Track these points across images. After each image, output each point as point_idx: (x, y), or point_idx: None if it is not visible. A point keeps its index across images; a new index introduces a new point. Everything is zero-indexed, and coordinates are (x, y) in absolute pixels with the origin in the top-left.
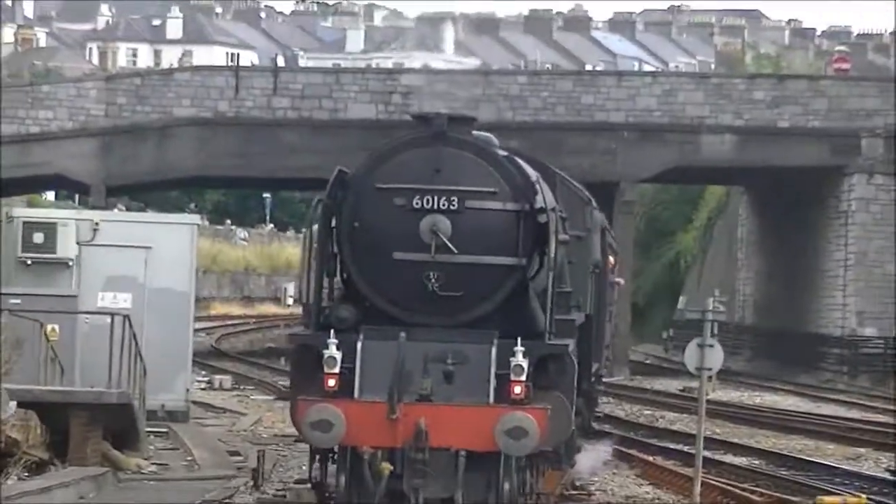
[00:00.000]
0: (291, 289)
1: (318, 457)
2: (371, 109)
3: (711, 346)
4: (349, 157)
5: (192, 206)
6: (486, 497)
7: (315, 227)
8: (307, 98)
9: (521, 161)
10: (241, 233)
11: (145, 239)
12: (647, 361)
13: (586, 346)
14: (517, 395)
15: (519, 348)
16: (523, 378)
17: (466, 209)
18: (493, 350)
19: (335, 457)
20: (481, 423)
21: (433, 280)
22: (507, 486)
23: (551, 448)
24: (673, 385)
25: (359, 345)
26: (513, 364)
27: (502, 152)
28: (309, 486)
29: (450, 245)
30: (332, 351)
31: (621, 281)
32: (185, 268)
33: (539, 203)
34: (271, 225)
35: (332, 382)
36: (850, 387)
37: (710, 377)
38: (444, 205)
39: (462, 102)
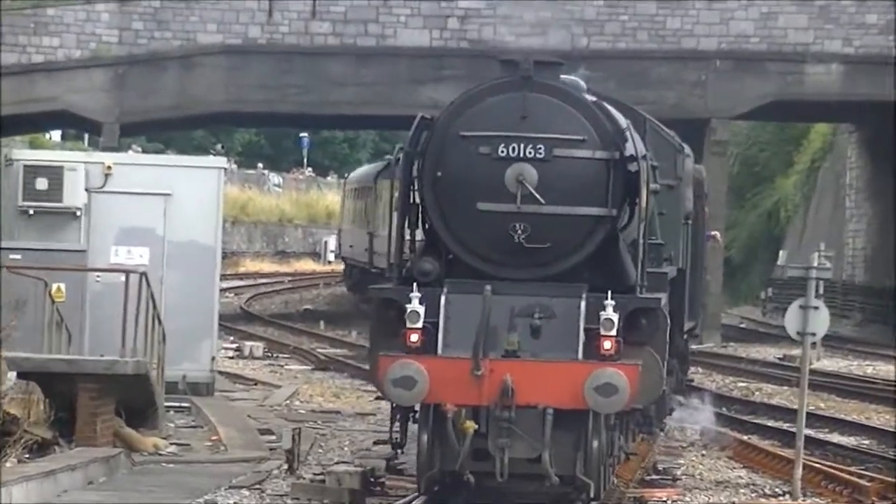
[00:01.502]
0: (332, 243)
1: (398, 416)
2: (424, 35)
3: (816, 307)
4: (399, 90)
5: (219, 147)
6: (573, 457)
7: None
8: (351, 22)
9: (610, 107)
10: (275, 178)
11: (165, 185)
12: (742, 326)
13: (679, 301)
14: (607, 350)
15: (609, 302)
16: (613, 333)
17: (554, 157)
18: (582, 304)
19: (417, 415)
20: (570, 379)
21: (519, 231)
22: (595, 445)
23: (642, 406)
24: (771, 353)
25: (442, 299)
26: (602, 318)
27: (591, 97)
28: (354, 465)
29: (536, 195)
30: (415, 305)
31: (717, 234)
32: (211, 218)
33: (629, 151)
34: (309, 169)
35: (414, 338)
36: None
37: (814, 344)
38: (530, 153)
39: (529, 27)
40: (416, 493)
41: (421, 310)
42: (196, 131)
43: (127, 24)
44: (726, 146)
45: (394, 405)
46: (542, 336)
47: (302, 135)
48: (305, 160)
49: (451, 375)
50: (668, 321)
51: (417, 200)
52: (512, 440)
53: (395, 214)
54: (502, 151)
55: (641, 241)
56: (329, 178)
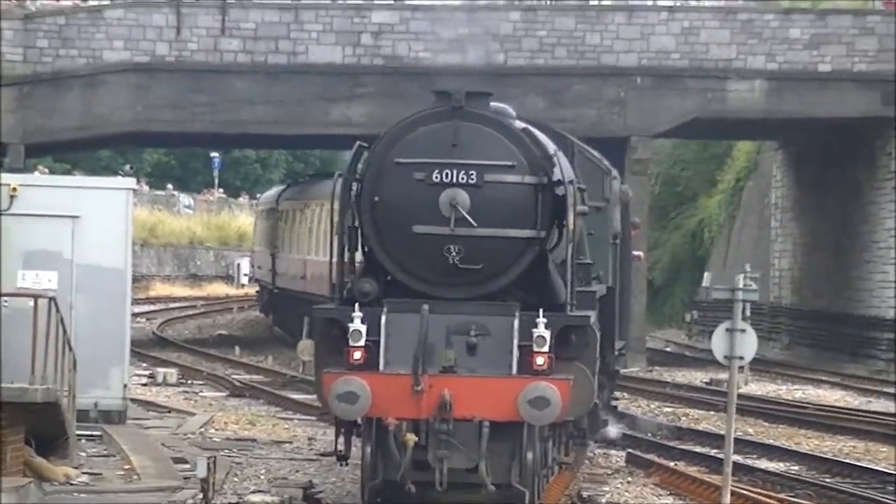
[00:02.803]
0: (245, 265)
1: (342, 429)
2: (337, 52)
3: (743, 330)
4: (311, 108)
5: (127, 167)
6: (509, 466)
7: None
8: (261, 39)
9: (538, 133)
10: (186, 199)
11: (72, 207)
12: (668, 349)
13: (609, 318)
14: (540, 365)
15: (541, 319)
16: (546, 349)
17: (485, 183)
18: (515, 322)
19: (359, 429)
20: (504, 393)
21: (453, 253)
22: (529, 455)
23: (574, 418)
24: (698, 377)
25: (383, 318)
26: (535, 335)
27: (520, 124)
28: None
29: (469, 218)
30: (357, 324)
31: (640, 254)
32: (120, 241)
33: (557, 175)
34: (220, 190)
35: (357, 355)
36: None
37: (741, 367)
38: (462, 178)
39: (445, 44)
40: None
41: (363, 329)
42: (104, 151)
43: (31, 41)
44: (647, 165)
45: (338, 419)
46: (477, 353)
47: (213, 155)
48: (216, 181)
49: (392, 390)
50: (598, 337)
51: (356, 224)
52: (450, 451)
53: (335, 238)
54: (436, 177)
55: (570, 261)
56: (241, 199)
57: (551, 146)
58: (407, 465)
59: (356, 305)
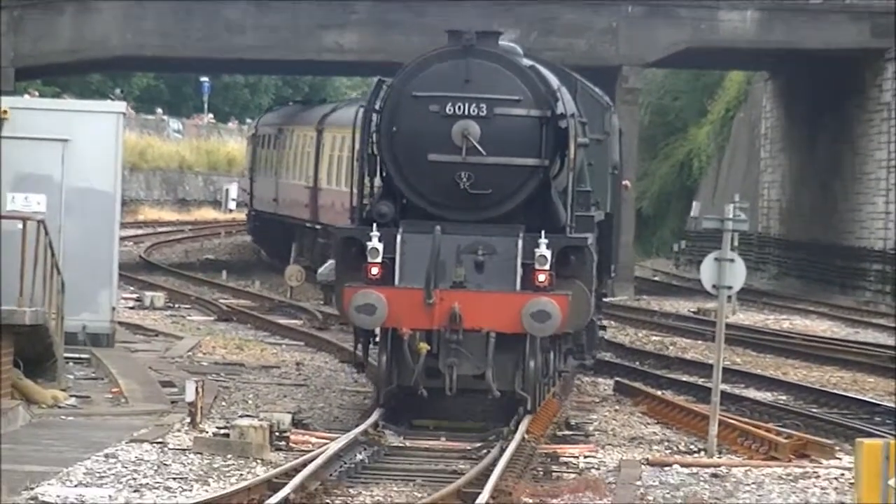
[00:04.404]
0: (234, 190)
1: (361, 339)
2: None
3: (731, 260)
4: (302, 35)
5: (118, 91)
6: (513, 374)
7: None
8: None
9: (543, 70)
10: (175, 124)
11: (62, 130)
12: (655, 278)
13: (608, 242)
14: (541, 282)
15: (543, 240)
16: (547, 267)
17: (494, 115)
18: (520, 242)
19: (376, 339)
20: (509, 307)
21: (464, 179)
22: (531, 364)
23: (572, 331)
24: (685, 306)
25: (398, 237)
26: (537, 255)
27: (527, 61)
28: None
29: (479, 147)
30: (375, 243)
31: (627, 183)
32: (109, 164)
33: (560, 109)
34: (210, 115)
35: (375, 271)
36: (892, 309)
37: (729, 297)
38: (473, 111)
39: None
40: (377, 405)
41: (380, 247)
42: (94, 75)
43: None
44: (638, 94)
45: (357, 329)
46: (484, 270)
47: (202, 80)
48: (206, 106)
49: (406, 303)
50: (595, 257)
51: (375, 152)
52: (460, 359)
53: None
54: (449, 110)
55: (571, 188)
56: (230, 125)
57: (555, 82)
58: (420, 371)
59: (374, 226)
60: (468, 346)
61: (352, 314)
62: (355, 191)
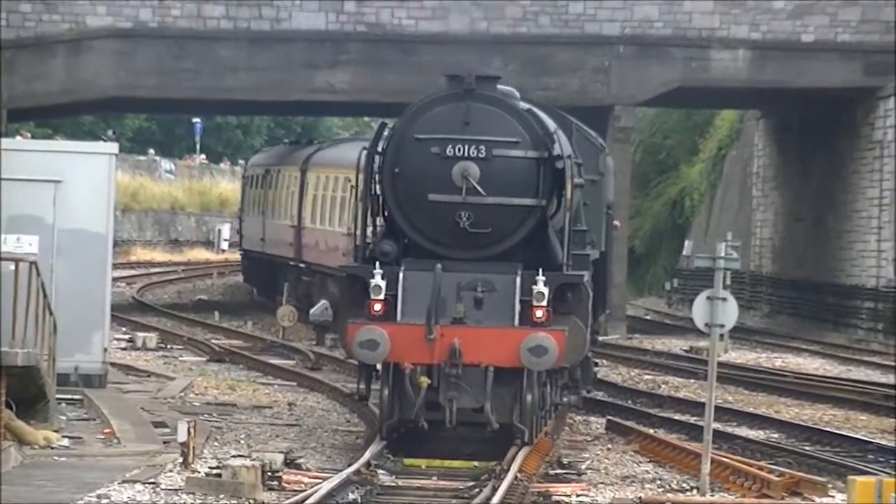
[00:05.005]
0: (227, 231)
1: (363, 373)
2: (320, 19)
3: (724, 299)
4: (294, 75)
5: (110, 133)
6: (511, 407)
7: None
8: (244, 5)
9: (540, 112)
10: (167, 164)
11: (54, 171)
12: (648, 317)
13: (603, 279)
14: (539, 318)
15: (540, 277)
16: (544, 303)
17: (493, 156)
18: (518, 279)
19: (378, 374)
20: (507, 342)
21: (464, 218)
22: (529, 397)
23: (569, 365)
24: (678, 345)
25: (400, 275)
26: (535, 291)
27: (524, 105)
28: (248, 461)
29: (478, 188)
30: (378, 280)
31: (617, 223)
32: (102, 206)
33: (557, 151)
34: (202, 156)
35: (377, 307)
36: (885, 347)
37: (721, 335)
38: (473, 153)
39: (429, 11)
40: (379, 438)
41: (382, 284)
42: (86, 117)
43: (14, 6)
44: (630, 133)
45: (360, 364)
46: (484, 306)
47: (194, 120)
48: (198, 146)
49: (408, 339)
50: (591, 294)
51: (378, 193)
52: (459, 393)
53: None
54: (450, 151)
55: (567, 227)
56: (222, 165)
57: (552, 124)
58: (420, 404)
59: (377, 264)
60: (467, 380)
61: (355, 349)
62: (359, 230)
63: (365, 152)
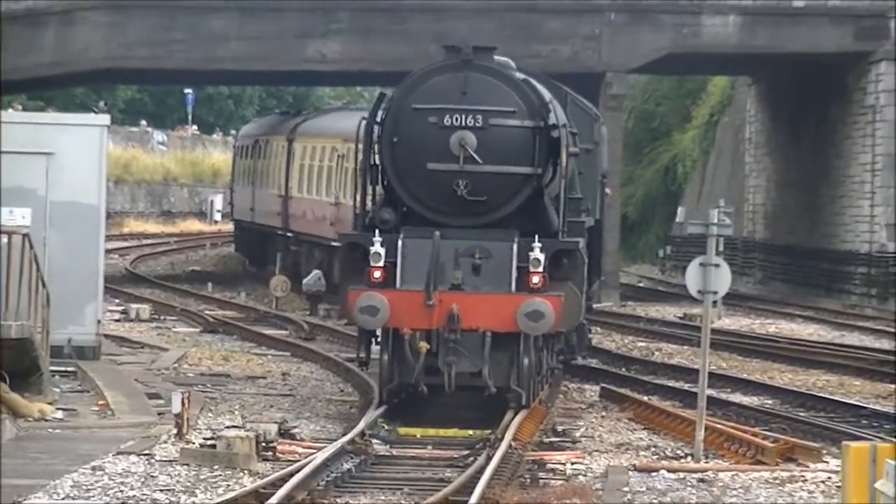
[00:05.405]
0: (219, 202)
1: (364, 339)
2: None
3: (716, 265)
4: (285, 44)
5: (101, 104)
6: (508, 371)
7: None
8: None
9: (536, 83)
10: (159, 136)
11: (46, 144)
12: (641, 284)
13: (598, 246)
14: (535, 284)
15: (536, 244)
16: (540, 270)
17: (490, 126)
18: (514, 246)
19: (378, 339)
20: (505, 307)
21: (461, 187)
22: (526, 361)
23: (565, 330)
24: (671, 312)
25: (399, 242)
26: (531, 258)
27: (520, 75)
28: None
29: (476, 156)
30: (378, 248)
31: (608, 191)
32: (94, 177)
33: (552, 120)
34: (194, 126)
35: (377, 274)
36: (879, 312)
37: (715, 302)
38: (470, 122)
39: None
40: (379, 403)
41: (382, 251)
42: (77, 88)
43: None
44: (622, 100)
45: (360, 329)
46: (481, 273)
47: (186, 91)
48: (190, 117)
49: (407, 305)
50: (586, 260)
51: (377, 162)
52: (458, 357)
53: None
54: (447, 121)
55: (562, 195)
56: (215, 136)
57: (547, 94)
58: (420, 369)
59: (376, 232)
60: (466, 345)
61: (356, 315)
62: (358, 199)
63: (364, 122)
